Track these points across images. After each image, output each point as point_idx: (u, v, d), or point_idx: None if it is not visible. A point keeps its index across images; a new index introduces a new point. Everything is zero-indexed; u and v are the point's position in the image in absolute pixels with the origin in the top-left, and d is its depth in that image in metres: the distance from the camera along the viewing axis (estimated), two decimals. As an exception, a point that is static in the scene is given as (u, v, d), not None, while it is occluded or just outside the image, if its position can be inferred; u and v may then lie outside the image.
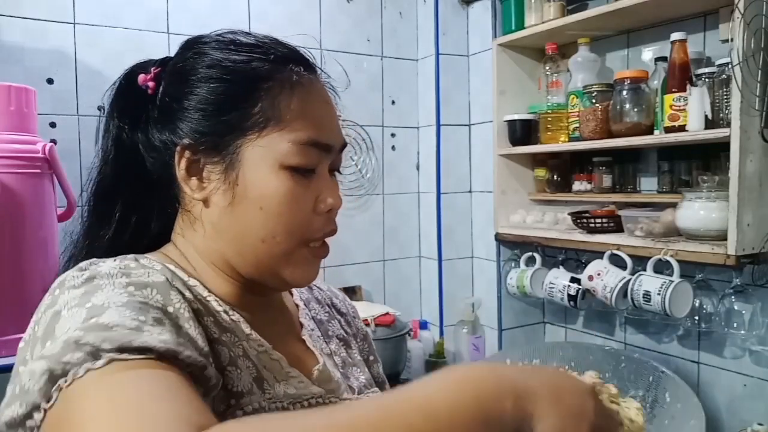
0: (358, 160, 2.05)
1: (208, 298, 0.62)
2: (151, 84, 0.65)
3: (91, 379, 0.45)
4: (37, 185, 1.26)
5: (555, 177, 1.87)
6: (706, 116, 1.34)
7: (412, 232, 2.20)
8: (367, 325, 1.74)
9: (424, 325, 2.13)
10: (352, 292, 2.03)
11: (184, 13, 1.73)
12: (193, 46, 0.65)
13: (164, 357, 0.47)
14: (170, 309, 0.53)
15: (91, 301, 0.50)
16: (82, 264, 0.56)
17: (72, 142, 1.56)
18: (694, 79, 1.38)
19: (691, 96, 1.35)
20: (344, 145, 0.67)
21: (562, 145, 1.75)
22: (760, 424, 1.39)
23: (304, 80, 0.64)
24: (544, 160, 1.91)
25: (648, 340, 1.73)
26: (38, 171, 1.26)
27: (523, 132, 1.87)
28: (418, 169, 2.19)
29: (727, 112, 1.32)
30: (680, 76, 1.38)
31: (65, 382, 0.45)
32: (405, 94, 2.15)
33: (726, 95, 1.33)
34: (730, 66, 1.25)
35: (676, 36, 1.39)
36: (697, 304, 1.46)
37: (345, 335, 0.80)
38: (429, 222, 2.15)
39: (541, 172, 1.91)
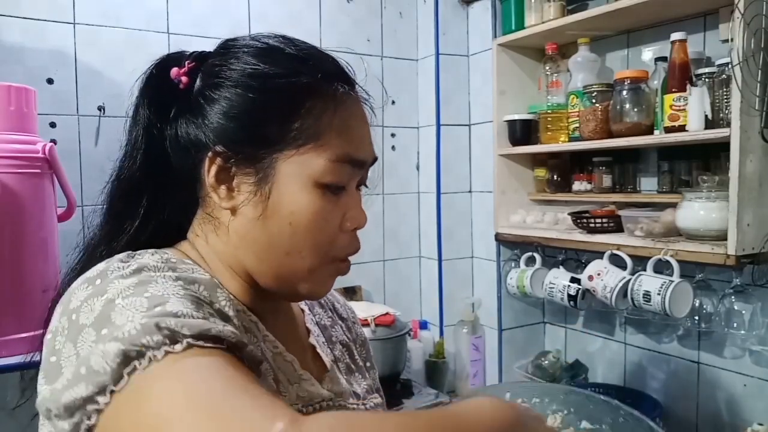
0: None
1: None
2: (184, 79, 0.62)
3: (170, 363, 0.44)
4: (37, 185, 1.26)
5: (555, 177, 1.87)
6: (706, 116, 1.34)
7: (412, 232, 2.20)
8: (367, 325, 1.74)
9: (424, 325, 2.13)
10: (352, 292, 2.03)
11: (184, 13, 1.72)
12: (232, 48, 0.63)
13: (231, 348, 0.48)
14: (216, 306, 0.53)
15: (148, 290, 0.49)
16: (122, 256, 0.56)
17: (72, 142, 1.56)
18: (694, 79, 1.38)
19: (691, 96, 1.35)
20: (375, 159, 0.66)
21: (562, 145, 1.75)
22: (760, 424, 1.39)
23: (347, 99, 0.63)
24: (544, 160, 1.91)
25: (648, 340, 1.73)
26: (38, 171, 1.26)
27: (523, 132, 1.87)
28: (418, 169, 2.19)
29: (727, 112, 1.32)
30: (680, 76, 1.38)
31: (140, 364, 0.44)
32: (405, 94, 2.15)
33: (726, 95, 1.33)
34: (730, 66, 1.25)
35: (676, 36, 1.39)
36: (697, 304, 1.46)
37: (347, 341, 0.80)
38: (429, 222, 2.15)
39: (541, 172, 1.91)
